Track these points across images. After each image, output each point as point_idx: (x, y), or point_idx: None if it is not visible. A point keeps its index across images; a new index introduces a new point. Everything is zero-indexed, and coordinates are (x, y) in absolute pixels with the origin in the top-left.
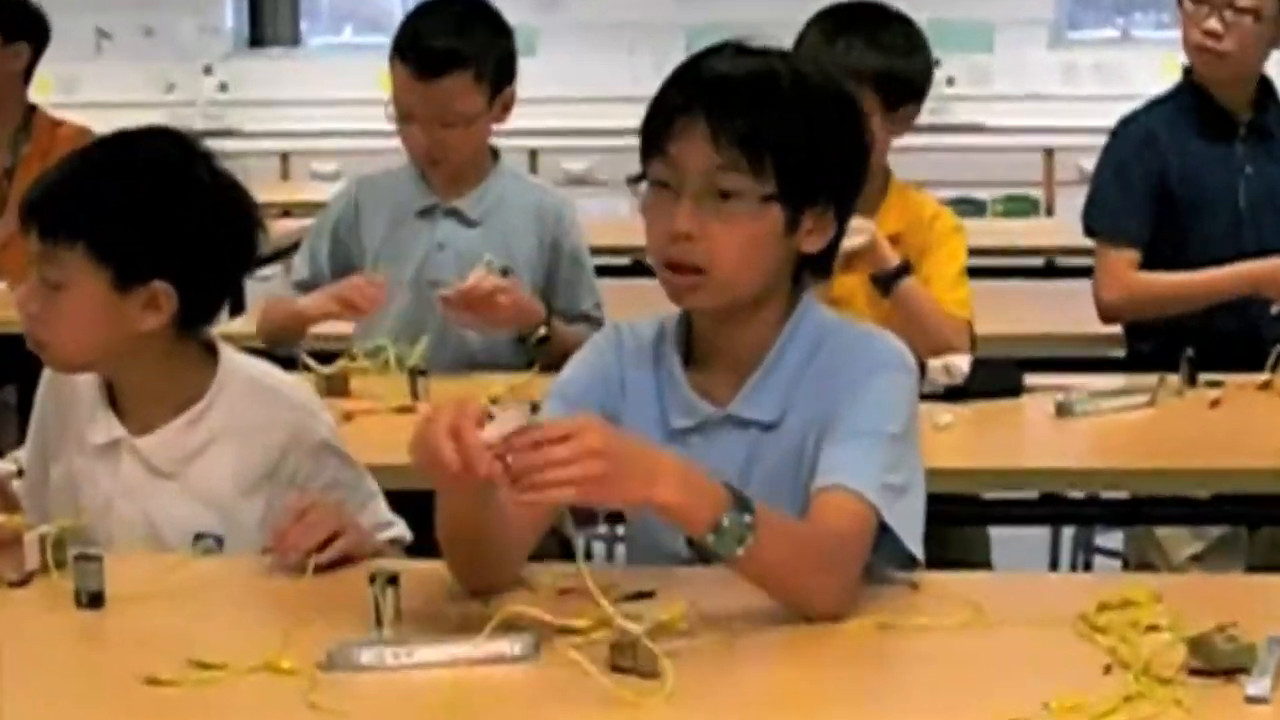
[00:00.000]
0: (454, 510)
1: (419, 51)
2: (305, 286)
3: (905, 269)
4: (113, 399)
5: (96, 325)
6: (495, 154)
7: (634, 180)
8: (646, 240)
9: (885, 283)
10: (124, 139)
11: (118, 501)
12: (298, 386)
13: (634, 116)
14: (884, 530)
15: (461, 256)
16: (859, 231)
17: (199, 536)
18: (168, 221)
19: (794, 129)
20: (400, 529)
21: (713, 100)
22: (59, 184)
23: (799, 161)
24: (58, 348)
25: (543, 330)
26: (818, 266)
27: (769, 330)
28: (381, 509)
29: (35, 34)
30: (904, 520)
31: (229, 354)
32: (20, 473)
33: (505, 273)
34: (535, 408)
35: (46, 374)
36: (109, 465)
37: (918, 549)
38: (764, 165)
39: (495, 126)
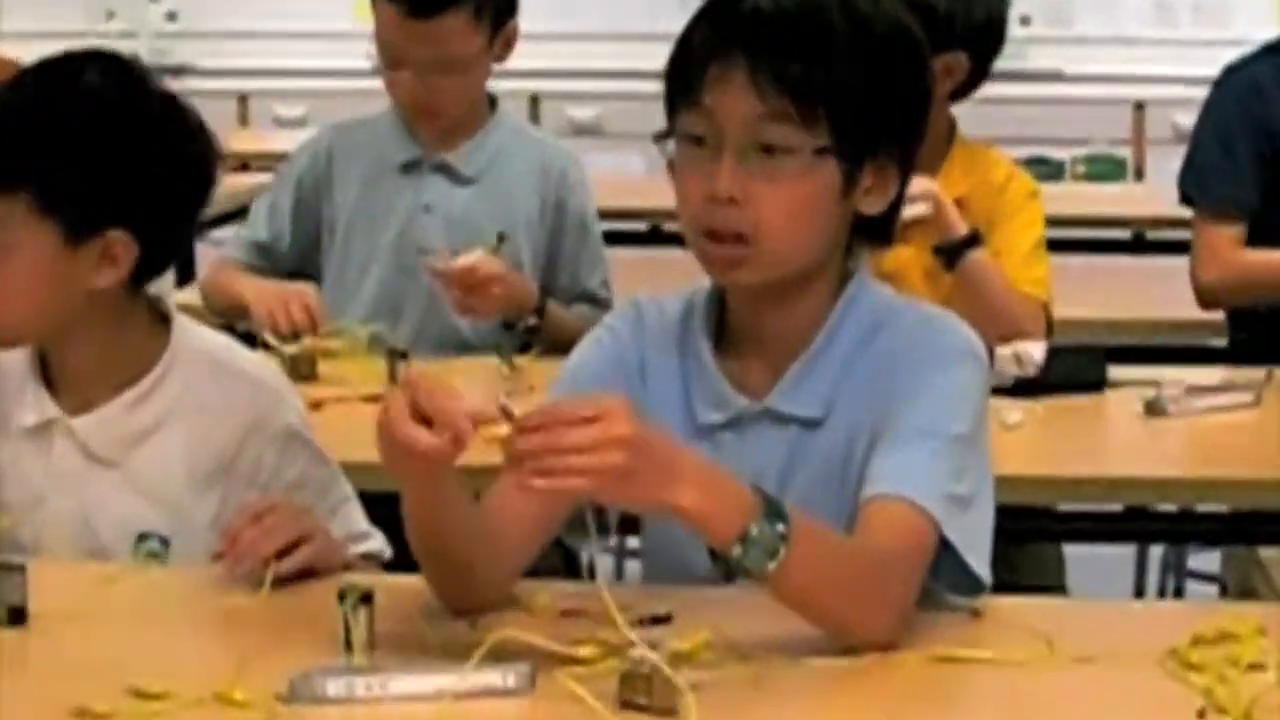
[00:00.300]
0: (426, 512)
1: None
2: (263, 250)
3: (974, 239)
4: (47, 375)
5: (46, 288)
6: (493, 101)
7: (661, 137)
8: (679, 206)
9: (950, 254)
10: (60, 67)
11: (48, 494)
12: (263, 365)
13: (651, 57)
14: (944, 548)
15: (451, 221)
16: (921, 197)
17: (142, 537)
18: (123, 159)
19: (849, 71)
20: (378, 542)
21: (754, 40)
22: None
23: (857, 108)
24: (3, 319)
25: (532, 319)
26: (877, 232)
27: (817, 310)
28: (357, 516)
29: None
30: (969, 537)
31: (183, 324)
32: None
33: (501, 239)
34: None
35: None
36: (40, 450)
37: (984, 571)
38: (816, 114)
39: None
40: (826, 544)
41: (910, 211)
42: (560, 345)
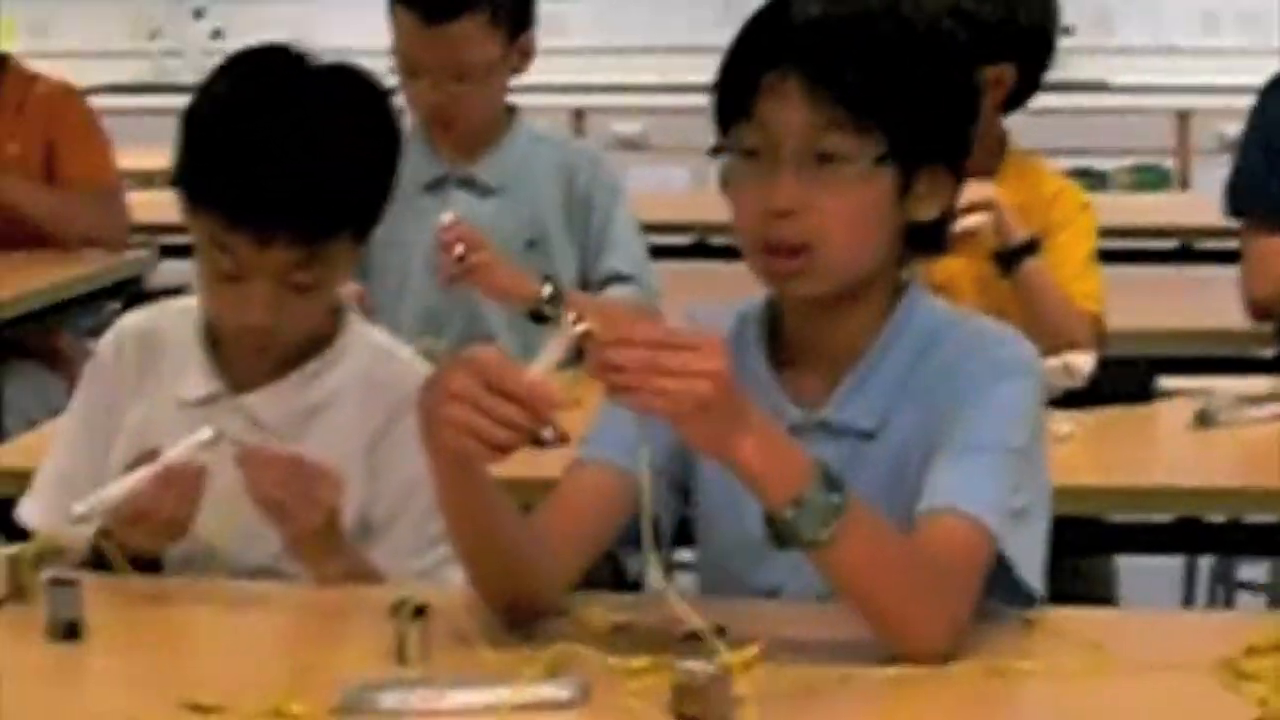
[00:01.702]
0: (469, 511)
1: None
2: None
3: (1033, 245)
4: (215, 349)
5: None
6: (511, 111)
7: (714, 151)
8: (736, 220)
9: (1008, 260)
10: (313, 93)
11: (208, 468)
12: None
13: (694, 70)
14: (999, 561)
15: (481, 233)
16: (980, 204)
17: None
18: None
19: (901, 77)
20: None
21: (806, 51)
22: (300, 177)
23: (909, 114)
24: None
25: (548, 290)
26: (929, 241)
27: (871, 322)
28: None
29: None
30: (1024, 552)
31: (353, 316)
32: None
33: (532, 245)
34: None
35: (107, 344)
36: (202, 424)
37: (1038, 585)
38: (870, 122)
39: (529, 82)
40: (885, 532)
41: (967, 222)
42: None
